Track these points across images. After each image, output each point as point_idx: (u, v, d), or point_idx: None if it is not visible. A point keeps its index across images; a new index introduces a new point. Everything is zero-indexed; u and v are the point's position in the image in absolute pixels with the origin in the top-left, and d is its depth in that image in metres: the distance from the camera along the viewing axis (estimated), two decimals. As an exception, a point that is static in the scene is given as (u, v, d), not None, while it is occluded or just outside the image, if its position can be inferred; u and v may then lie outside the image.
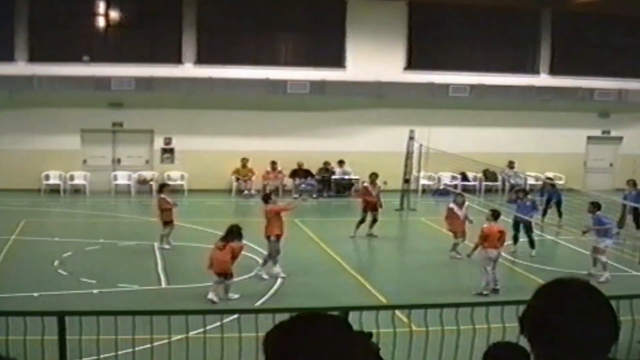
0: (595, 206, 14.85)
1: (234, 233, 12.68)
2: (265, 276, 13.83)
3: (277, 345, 2.24)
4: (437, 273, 15.40)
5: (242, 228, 12.96)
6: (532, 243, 16.27)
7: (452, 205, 16.55)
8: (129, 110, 22.90)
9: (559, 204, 20.01)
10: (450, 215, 16.37)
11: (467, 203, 16.96)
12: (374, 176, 18.70)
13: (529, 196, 17.45)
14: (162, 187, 17.62)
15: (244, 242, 13.02)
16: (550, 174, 24.20)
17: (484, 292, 12.82)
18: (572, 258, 16.50)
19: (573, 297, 2.40)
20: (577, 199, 19.64)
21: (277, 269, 13.98)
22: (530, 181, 24.16)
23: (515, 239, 16.47)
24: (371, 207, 17.99)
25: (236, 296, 12.57)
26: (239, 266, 13.10)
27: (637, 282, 14.00)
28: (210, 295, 12.17)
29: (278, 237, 14.04)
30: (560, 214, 19.88)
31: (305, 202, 18.09)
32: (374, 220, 17.91)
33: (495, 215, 13.55)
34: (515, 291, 12.21)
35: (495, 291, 12.89)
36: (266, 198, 14.98)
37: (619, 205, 19.30)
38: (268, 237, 14.10)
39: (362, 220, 17.89)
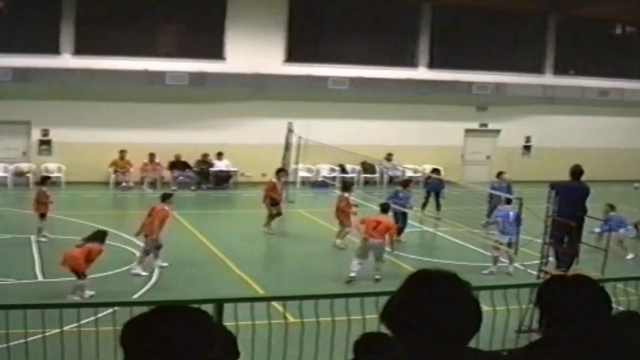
0: (507, 201, 20.86)
1: (97, 237, 16.87)
2: (143, 273, 18.62)
3: (132, 339, 3.12)
4: (315, 264, 20.84)
5: (107, 234, 17.27)
6: (399, 231, 22.72)
7: (346, 194, 23.16)
8: (5, 102, 30.31)
9: (438, 196, 28.08)
10: (346, 204, 22.67)
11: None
12: (282, 172, 25.69)
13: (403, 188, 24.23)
14: (44, 179, 23.90)
15: (104, 245, 17.17)
16: (428, 167, 33.40)
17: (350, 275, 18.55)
18: (450, 249, 22.87)
19: (435, 289, 3.38)
20: (455, 191, 28.16)
21: (159, 262, 19.11)
22: (409, 173, 33.37)
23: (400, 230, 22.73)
24: (275, 202, 24.40)
25: (90, 293, 16.27)
26: (115, 260, 18.56)
27: (516, 273, 19.79)
28: (69, 297, 15.73)
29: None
30: (438, 206, 27.94)
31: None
32: (278, 214, 24.42)
33: (383, 208, 20.19)
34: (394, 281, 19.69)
35: (376, 280, 18.31)
36: (166, 197, 20.22)
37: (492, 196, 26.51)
38: (147, 236, 19.05)
39: (276, 214, 24.39)
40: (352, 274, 18.68)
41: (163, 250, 19.41)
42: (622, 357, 4.09)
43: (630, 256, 22.74)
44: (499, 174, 27.74)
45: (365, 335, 6.10)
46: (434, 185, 28.28)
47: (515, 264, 20.35)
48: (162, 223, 19.24)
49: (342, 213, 22.67)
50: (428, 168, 32.88)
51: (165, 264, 19.31)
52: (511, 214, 20.39)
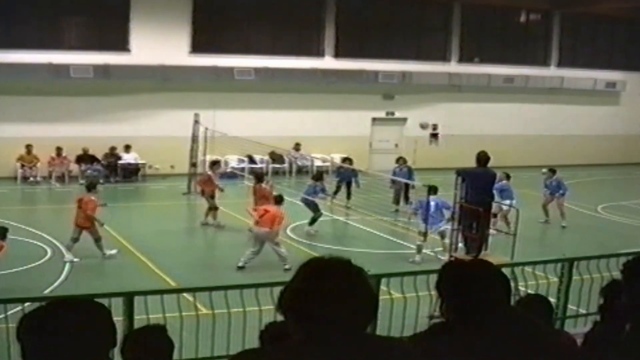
0: (433, 190, 21.74)
1: None
2: (75, 259, 20.53)
3: (27, 332, 3.44)
4: (226, 254, 22.41)
5: (8, 230, 18.24)
6: (313, 222, 24.81)
7: (264, 185, 24.67)
8: None
9: (349, 185, 29.86)
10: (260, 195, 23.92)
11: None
12: (217, 165, 27.43)
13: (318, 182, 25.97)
14: None
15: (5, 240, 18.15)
16: (336, 156, 35.46)
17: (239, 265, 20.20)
18: (360, 237, 24.82)
19: (328, 277, 3.59)
20: (363, 180, 30.43)
21: (70, 256, 20.76)
22: (317, 163, 35.56)
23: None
24: (211, 195, 26.05)
25: None
26: (24, 255, 20.02)
27: (426, 260, 20.88)
28: None
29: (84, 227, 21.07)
30: (348, 195, 29.83)
31: None
32: (215, 208, 25.95)
33: (276, 199, 21.64)
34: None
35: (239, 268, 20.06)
36: (91, 186, 21.96)
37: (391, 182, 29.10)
38: (78, 226, 20.99)
39: (214, 207, 25.95)
40: (240, 263, 20.24)
41: (78, 244, 21.00)
42: (519, 342, 4.31)
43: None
44: (399, 159, 30.11)
45: (271, 324, 6.58)
46: (346, 174, 30.11)
47: (426, 251, 21.71)
48: (93, 213, 21.10)
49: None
50: (336, 157, 34.98)
51: (76, 259, 20.69)
52: (432, 203, 21.54)
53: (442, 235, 21.81)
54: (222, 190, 26.53)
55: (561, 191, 27.40)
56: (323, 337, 3.56)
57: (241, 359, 3.85)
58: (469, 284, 4.35)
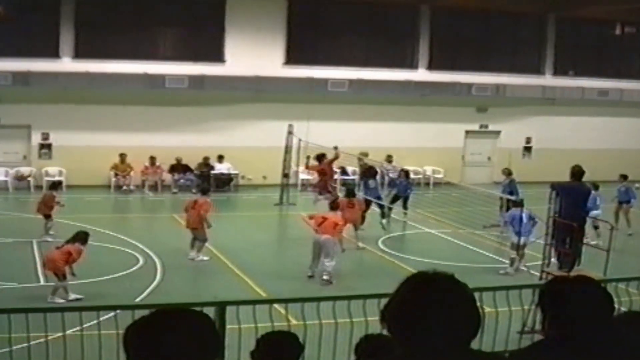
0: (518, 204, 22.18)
1: (78, 237, 17.89)
2: (205, 258, 21.77)
3: (135, 342, 3.43)
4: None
5: (89, 235, 18.28)
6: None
7: (345, 197, 24.76)
8: (5, 105, 32.15)
9: (406, 200, 28.78)
10: (344, 206, 23.63)
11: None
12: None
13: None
14: (56, 185, 26.48)
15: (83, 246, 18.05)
16: (429, 168, 35.04)
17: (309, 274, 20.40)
18: (450, 250, 24.62)
19: (434, 291, 3.57)
20: (455, 193, 30.00)
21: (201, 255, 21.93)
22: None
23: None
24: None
25: (60, 300, 16.93)
26: (116, 262, 20.63)
27: (519, 275, 20.91)
28: (50, 299, 17.09)
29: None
30: (405, 206, 28.94)
31: None
32: None
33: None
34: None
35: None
36: (206, 190, 23.71)
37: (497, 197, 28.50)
38: (195, 229, 21.99)
39: None
40: (310, 273, 20.36)
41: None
42: (624, 359, 4.24)
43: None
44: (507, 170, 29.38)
45: (366, 337, 6.66)
46: (401, 187, 29.28)
47: (521, 266, 21.59)
48: (206, 214, 22.00)
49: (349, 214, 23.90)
50: (429, 169, 34.44)
51: (206, 258, 21.86)
52: (523, 215, 21.55)
53: (520, 246, 21.61)
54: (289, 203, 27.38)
55: (630, 199, 27.34)
56: (428, 352, 3.52)
57: None
58: (572, 300, 4.27)
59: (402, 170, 30.26)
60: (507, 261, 22.14)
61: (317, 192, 27.32)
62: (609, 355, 4.15)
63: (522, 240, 21.48)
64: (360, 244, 24.32)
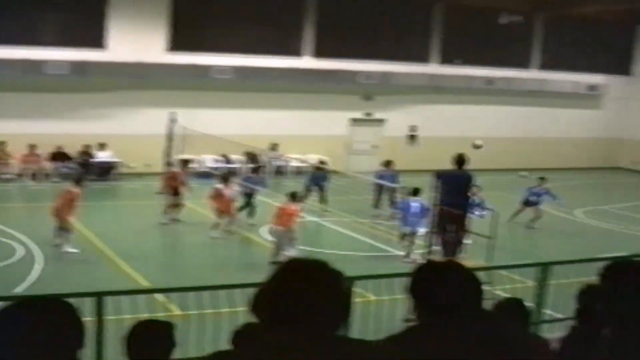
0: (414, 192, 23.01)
1: None
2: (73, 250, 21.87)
3: None
4: (200, 255, 23.31)
5: None
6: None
7: (219, 185, 25.56)
8: None
9: (322, 189, 29.83)
10: (217, 195, 25.18)
11: (234, 183, 26.19)
12: (186, 163, 28.81)
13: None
14: None
15: None
16: (313, 156, 36.56)
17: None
18: (336, 239, 25.48)
19: (303, 279, 3.77)
20: (340, 181, 31.26)
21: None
22: (294, 163, 36.61)
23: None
24: (175, 191, 26.99)
25: None
26: None
27: (400, 262, 21.68)
28: None
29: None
30: (322, 199, 29.76)
31: None
32: (177, 205, 26.95)
33: (291, 196, 22.33)
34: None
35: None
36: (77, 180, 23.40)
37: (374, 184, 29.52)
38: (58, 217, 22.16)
39: (173, 205, 26.88)
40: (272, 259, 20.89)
41: (41, 244, 22.10)
42: (491, 345, 4.39)
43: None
44: (388, 163, 30.44)
45: (242, 326, 7.53)
46: (317, 177, 30.55)
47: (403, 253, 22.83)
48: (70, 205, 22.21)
49: (221, 203, 25.26)
50: (313, 158, 35.94)
51: (75, 250, 21.86)
52: (413, 204, 22.85)
53: (409, 235, 22.87)
54: (184, 186, 27.44)
55: (543, 198, 28.60)
56: (293, 338, 3.69)
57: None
58: (439, 286, 4.46)
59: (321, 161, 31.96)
60: (392, 249, 23.48)
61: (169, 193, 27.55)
62: (478, 341, 4.33)
63: (410, 229, 22.74)
64: (234, 230, 25.37)
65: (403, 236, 23.07)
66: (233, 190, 25.84)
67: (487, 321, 4.61)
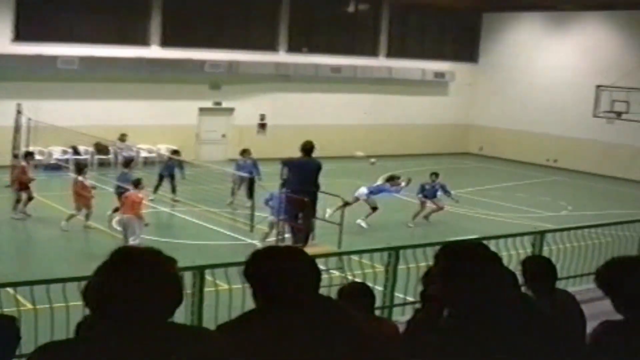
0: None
1: None
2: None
3: None
4: (52, 248, 23.52)
5: None
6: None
7: (80, 177, 25.63)
8: None
9: (173, 178, 30.24)
10: (81, 187, 25.32)
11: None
12: (31, 155, 28.46)
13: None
14: None
15: None
16: (163, 146, 37.27)
17: None
18: (187, 229, 26.04)
19: (130, 266, 3.81)
20: (190, 171, 32.12)
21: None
22: (143, 154, 37.26)
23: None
24: (25, 186, 26.70)
25: None
26: None
27: (250, 250, 25.01)
28: None
29: None
30: (174, 189, 30.29)
31: None
32: (30, 198, 26.64)
33: (135, 183, 23.01)
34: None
35: None
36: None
37: (232, 175, 30.06)
38: None
39: (18, 200, 26.77)
40: None
41: None
42: (330, 330, 4.52)
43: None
44: (244, 152, 30.95)
45: (86, 317, 6.51)
46: (169, 167, 31.04)
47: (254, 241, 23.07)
48: None
49: (79, 196, 25.43)
50: (163, 148, 36.70)
51: None
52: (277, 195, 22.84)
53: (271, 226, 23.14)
54: (33, 179, 27.46)
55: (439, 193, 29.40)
56: (121, 328, 3.73)
57: (43, 352, 3.85)
58: (273, 271, 4.51)
59: (175, 151, 32.14)
60: (245, 238, 24.12)
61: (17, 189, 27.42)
62: (315, 326, 4.46)
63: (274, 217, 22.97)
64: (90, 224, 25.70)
65: (272, 225, 23.12)
66: (89, 181, 26.29)
67: (327, 307, 4.68)
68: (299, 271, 4.56)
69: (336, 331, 4.53)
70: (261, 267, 4.58)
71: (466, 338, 4.87)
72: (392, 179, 29.47)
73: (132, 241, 21.35)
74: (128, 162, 28.50)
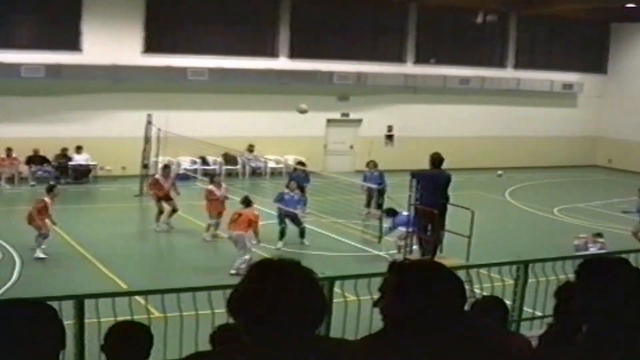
0: None
1: None
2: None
3: None
4: (179, 257, 23.87)
5: None
6: (302, 233, 24.92)
7: (210, 186, 25.79)
8: None
9: (303, 190, 29.69)
10: (208, 196, 25.35)
11: (224, 185, 27.02)
12: (167, 169, 28.08)
13: (297, 191, 25.81)
14: None
15: None
16: (290, 157, 36.68)
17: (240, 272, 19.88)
18: (314, 238, 25.20)
19: (278, 278, 3.73)
20: (317, 181, 31.51)
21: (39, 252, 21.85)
22: (271, 165, 36.71)
23: (282, 233, 24.45)
24: (165, 197, 26.88)
25: None
26: None
27: (378, 262, 21.27)
28: None
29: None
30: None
31: None
32: (174, 211, 26.68)
33: (245, 201, 22.35)
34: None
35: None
36: (50, 190, 23.31)
37: (361, 186, 29.42)
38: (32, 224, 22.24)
39: (160, 212, 26.59)
40: (233, 271, 20.59)
41: (21, 247, 22.09)
42: (470, 344, 4.27)
43: None
44: (370, 163, 30.30)
45: (222, 327, 7.18)
46: (297, 178, 29.78)
47: (381, 253, 23.12)
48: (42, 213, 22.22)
49: (211, 204, 25.34)
50: (290, 159, 36.08)
51: (43, 256, 21.73)
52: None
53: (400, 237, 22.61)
54: (178, 193, 27.48)
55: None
56: (270, 339, 3.68)
57: None
58: (416, 286, 4.23)
59: (300, 162, 31.45)
60: (372, 250, 23.75)
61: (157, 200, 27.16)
62: (457, 340, 4.19)
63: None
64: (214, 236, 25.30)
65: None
66: (223, 190, 25.77)
67: (467, 321, 4.46)
68: (440, 285, 4.28)
69: (480, 344, 4.29)
70: (401, 280, 4.29)
71: (605, 355, 4.72)
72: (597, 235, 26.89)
73: (244, 256, 20.99)
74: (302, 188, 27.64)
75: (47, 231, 22.19)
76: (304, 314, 3.72)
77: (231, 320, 3.87)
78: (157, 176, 28.04)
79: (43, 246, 22.02)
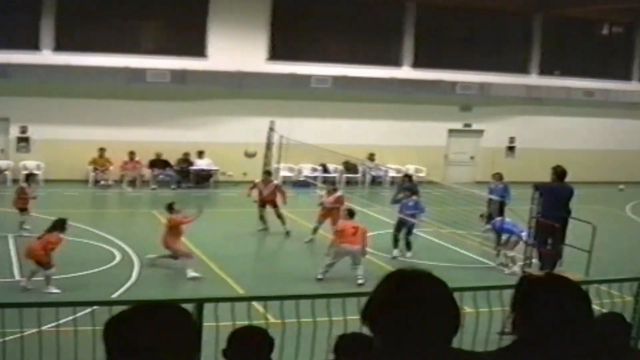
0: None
1: (56, 226, 18.66)
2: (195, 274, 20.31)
3: (115, 336, 3.49)
4: (296, 263, 23.27)
5: (67, 221, 18.96)
6: (409, 245, 24.18)
7: (321, 192, 26.63)
8: (-17, 98, 32.89)
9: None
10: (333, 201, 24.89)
11: (339, 192, 25.82)
12: (266, 174, 27.92)
13: (414, 196, 25.10)
14: (29, 177, 26.77)
15: (63, 235, 18.95)
16: (411, 167, 35.95)
17: (318, 277, 20.36)
18: (432, 249, 25.05)
19: (414, 289, 3.70)
20: (437, 192, 30.75)
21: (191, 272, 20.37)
22: (391, 174, 36.00)
23: (396, 240, 24.06)
24: (269, 203, 26.68)
25: (56, 291, 17.94)
26: (94, 258, 21.12)
27: (495, 274, 21.79)
28: (45, 289, 18.01)
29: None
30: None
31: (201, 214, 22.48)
32: (279, 217, 26.36)
33: (350, 213, 21.78)
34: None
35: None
36: (170, 207, 21.62)
37: (483, 198, 28.62)
38: (168, 248, 20.87)
39: (261, 216, 26.71)
40: (319, 276, 20.52)
41: (147, 249, 21.88)
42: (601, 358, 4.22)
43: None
44: (495, 175, 29.22)
45: (345, 336, 7.11)
46: (408, 188, 28.36)
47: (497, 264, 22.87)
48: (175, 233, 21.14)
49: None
50: (411, 168, 35.37)
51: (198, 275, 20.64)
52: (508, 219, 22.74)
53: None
54: (285, 202, 27.01)
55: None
56: (407, 349, 3.62)
57: None
58: (546, 300, 4.17)
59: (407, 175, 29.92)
60: (489, 261, 23.42)
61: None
62: (584, 357, 4.12)
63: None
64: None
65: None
66: (331, 198, 25.22)
67: (595, 336, 4.31)
68: (568, 300, 4.18)
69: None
70: (530, 294, 4.22)
71: None
72: None
73: (359, 271, 20.28)
74: (411, 192, 25.91)
75: (189, 252, 21.37)
76: (439, 325, 3.68)
77: (357, 329, 4.16)
78: (256, 181, 27.74)
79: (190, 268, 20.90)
